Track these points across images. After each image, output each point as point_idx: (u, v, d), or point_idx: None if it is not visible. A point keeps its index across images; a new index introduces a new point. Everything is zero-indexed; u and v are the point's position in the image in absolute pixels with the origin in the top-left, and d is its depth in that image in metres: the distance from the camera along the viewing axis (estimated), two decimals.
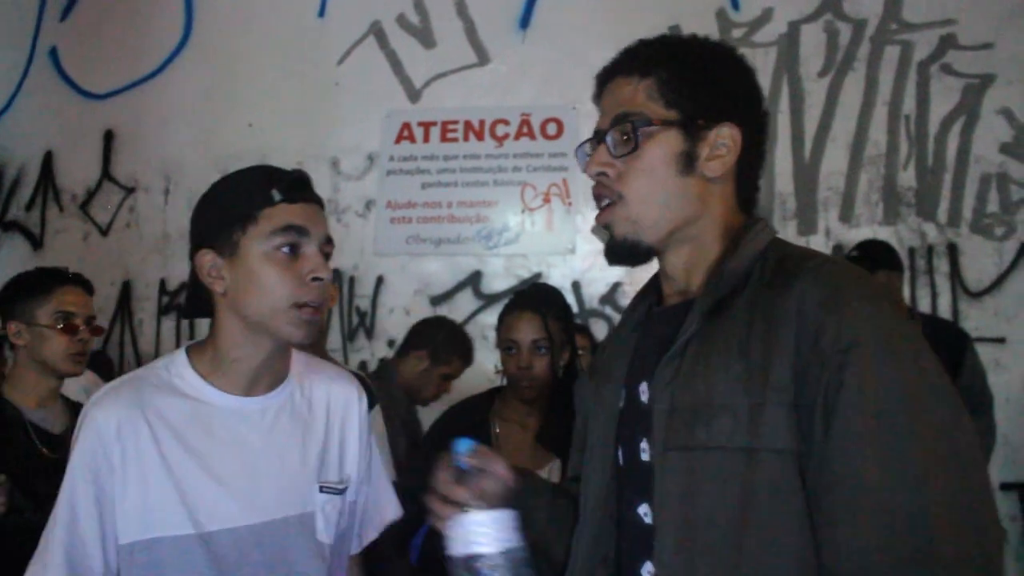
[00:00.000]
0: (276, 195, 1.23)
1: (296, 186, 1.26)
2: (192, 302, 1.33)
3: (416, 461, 2.26)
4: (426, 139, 3.34)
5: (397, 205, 3.34)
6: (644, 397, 1.04)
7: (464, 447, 1.07)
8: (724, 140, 1.02)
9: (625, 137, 1.03)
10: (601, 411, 1.11)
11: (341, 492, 1.36)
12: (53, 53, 3.73)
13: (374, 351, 3.32)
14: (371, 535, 1.50)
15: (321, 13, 3.48)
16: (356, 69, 3.44)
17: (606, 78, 1.09)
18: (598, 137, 1.07)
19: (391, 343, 3.30)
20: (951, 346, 2.69)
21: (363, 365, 3.26)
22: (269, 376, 1.32)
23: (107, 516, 1.21)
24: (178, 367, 1.29)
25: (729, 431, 0.93)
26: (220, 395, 1.28)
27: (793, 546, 0.90)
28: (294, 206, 1.24)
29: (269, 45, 3.51)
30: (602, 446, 1.09)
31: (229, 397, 1.28)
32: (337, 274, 3.30)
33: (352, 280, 3.35)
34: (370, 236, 3.36)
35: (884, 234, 3.07)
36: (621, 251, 1.07)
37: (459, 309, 3.26)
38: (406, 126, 3.37)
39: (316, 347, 2.36)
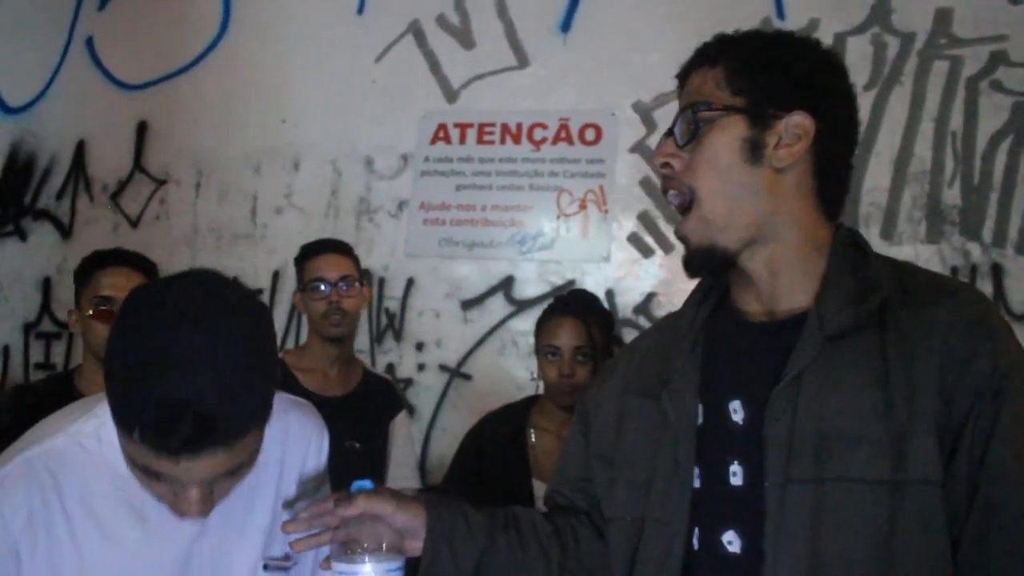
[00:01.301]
0: (139, 438, 0.89)
1: (175, 440, 0.88)
2: None
3: (455, 474, 2.22)
4: (462, 141, 3.31)
5: (430, 206, 3.30)
6: (737, 417, 0.99)
7: (357, 488, 1.00)
8: (794, 128, 0.98)
9: (690, 126, 1.00)
10: (681, 427, 1.03)
11: (287, 568, 1.18)
12: (89, 43, 3.73)
13: (402, 354, 3.28)
14: None
15: (360, 10, 3.45)
16: (393, 68, 3.40)
17: (684, 76, 1.06)
18: (669, 131, 1.04)
19: (420, 346, 3.26)
20: None
21: (391, 368, 3.23)
22: None
23: None
24: (108, 437, 1.02)
25: (869, 462, 0.88)
26: None
27: None
28: (166, 460, 0.90)
29: (306, 41, 3.48)
30: (676, 466, 1.01)
31: None
32: (367, 275, 3.26)
33: (382, 281, 3.32)
34: (402, 237, 3.32)
35: (927, 253, 3.02)
36: (699, 260, 1.03)
37: (490, 314, 3.22)
38: (442, 127, 3.33)
39: (344, 349, 2.34)
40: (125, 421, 0.91)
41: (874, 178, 3.11)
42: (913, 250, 3.02)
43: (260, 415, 0.96)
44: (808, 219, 1.00)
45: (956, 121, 3.08)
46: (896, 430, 0.88)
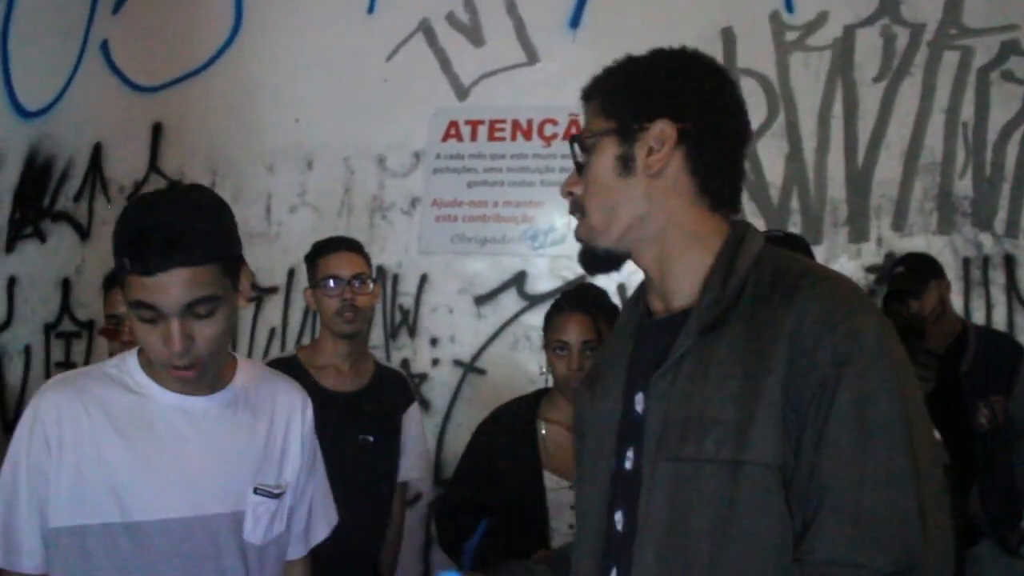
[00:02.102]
0: (127, 264, 1.19)
1: (149, 254, 1.18)
2: None
3: (466, 467, 2.24)
4: (473, 138, 3.33)
5: (443, 203, 3.33)
6: (639, 407, 1.08)
7: None
8: (658, 136, 1.06)
9: (580, 156, 1.12)
10: (600, 422, 1.14)
11: (276, 496, 1.40)
12: (104, 46, 3.77)
13: (416, 349, 3.31)
14: (319, 537, 1.56)
15: (370, 10, 3.48)
16: (404, 66, 3.43)
17: (583, 112, 1.17)
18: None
19: (434, 341, 3.30)
20: (1006, 358, 2.63)
21: (405, 363, 3.26)
22: (210, 380, 1.35)
23: (40, 498, 1.27)
24: (128, 365, 1.35)
25: (718, 444, 0.97)
26: (163, 392, 1.32)
27: (772, 559, 0.94)
28: (145, 279, 1.18)
29: (318, 41, 3.51)
30: (605, 457, 1.12)
31: (172, 395, 1.33)
32: (380, 272, 3.30)
33: (396, 278, 3.35)
34: (415, 234, 3.36)
35: (938, 244, 3.02)
36: (587, 259, 1.15)
37: (503, 309, 3.25)
38: (453, 124, 3.36)
39: (356, 345, 2.36)
40: (117, 259, 1.20)
41: (885, 170, 3.11)
42: (925, 241, 3.03)
43: (218, 251, 1.22)
44: (689, 217, 1.08)
45: (967, 112, 3.08)
46: (743, 415, 0.96)
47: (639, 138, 1.07)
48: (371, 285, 2.31)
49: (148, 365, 1.33)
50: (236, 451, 1.37)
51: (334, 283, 2.25)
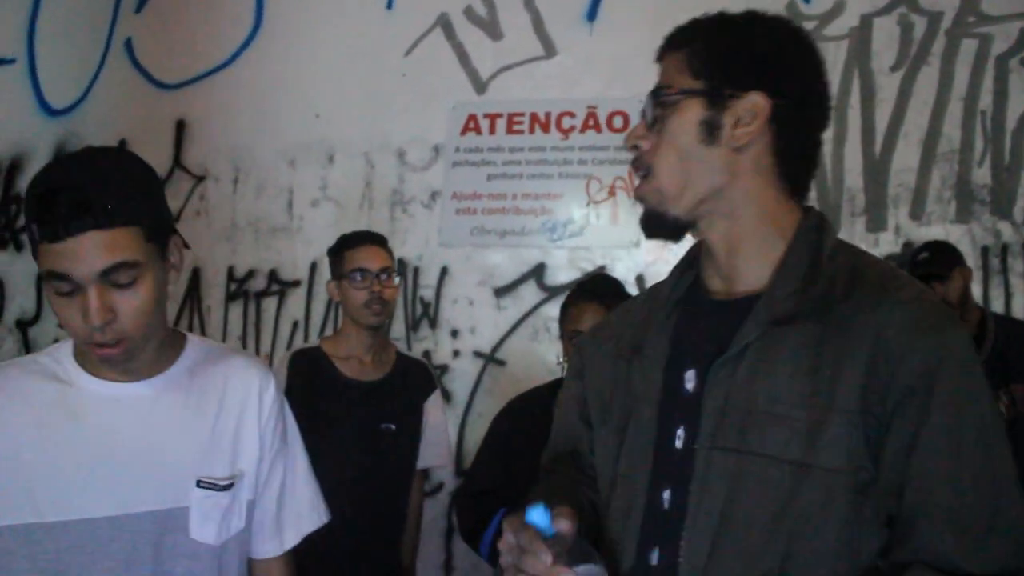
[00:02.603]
0: (35, 231, 1.07)
1: (58, 217, 1.06)
2: None
3: (484, 456, 2.27)
4: (492, 131, 3.36)
5: (462, 196, 3.36)
6: (689, 385, 1.04)
7: (542, 517, 0.95)
8: (750, 108, 1.00)
9: (656, 110, 1.04)
10: (643, 391, 1.09)
11: (225, 488, 1.26)
12: (128, 44, 3.82)
13: (437, 341, 3.35)
14: (300, 532, 1.40)
15: (389, 5, 3.52)
16: (423, 61, 3.47)
17: (660, 59, 1.10)
18: (642, 114, 1.08)
19: (454, 333, 3.33)
20: None
21: (427, 354, 3.30)
22: (145, 362, 1.22)
23: None
24: (60, 353, 1.23)
25: (783, 443, 0.94)
26: (92, 380, 1.21)
27: (830, 562, 0.92)
28: (55, 245, 1.06)
29: (337, 37, 3.55)
30: (647, 428, 1.07)
31: (101, 383, 1.21)
32: (401, 264, 3.34)
33: (416, 270, 3.39)
34: (435, 227, 3.39)
35: (956, 232, 3.02)
36: (652, 223, 1.07)
37: (522, 301, 3.28)
38: (472, 118, 3.39)
39: (380, 334, 2.41)
40: (27, 226, 1.08)
41: (903, 159, 3.11)
42: (943, 230, 3.02)
43: (136, 213, 1.10)
44: (766, 197, 1.04)
45: (985, 100, 3.07)
46: (814, 418, 0.93)
47: (729, 106, 1.00)
48: (396, 279, 2.36)
49: (82, 353, 1.21)
50: (174, 441, 1.23)
51: (362, 276, 2.29)
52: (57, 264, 1.07)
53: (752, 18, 1.06)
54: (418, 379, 2.46)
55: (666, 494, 1.03)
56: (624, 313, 1.24)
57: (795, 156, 1.04)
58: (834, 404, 0.93)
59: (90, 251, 1.07)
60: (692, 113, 1.02)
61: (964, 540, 0.88)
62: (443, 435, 2.51)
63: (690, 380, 1.04)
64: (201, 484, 1.24)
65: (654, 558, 1.02)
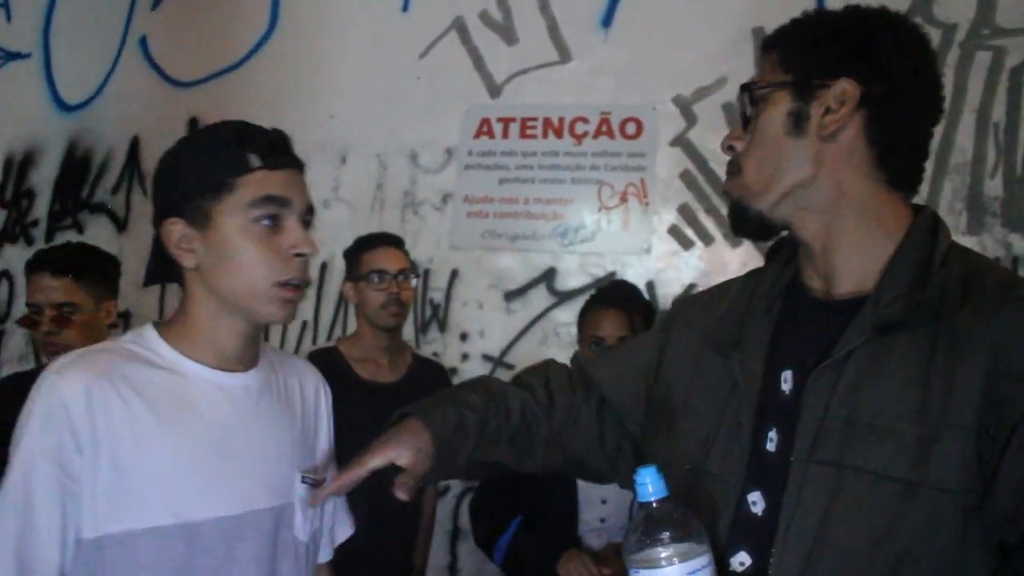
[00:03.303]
0: (254, 160, 1.12)
1: (276, 149, 1.15)
2: (156, 271, 1.21)
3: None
4: (505, 135, 3.36)
5: (474, 200, 3.37)
6: (786, 387, 1.00)
7: (655, 479, 0.90)
8: (839, 95, 0.98)
9: (746, 108, 1.04)
10: (742, 388, 1.04)
11: (320, 484, 1.22)
12: (143, 42, 3.83)
13: (447, 344, 3.35)
14: (339, 539, 1.40)
15: (405, 8, 3.52)
16: (437, 64, 3.47)
17: (760, 61, 1.08)
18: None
19: (464, 336, 3.34)
20: None
21: (436, 357, 3.29)
22: (248, 353, 1.19)
23: (70, 505, 1.03)
24: (148, 341, 1.15)
25: (890, 459, 0.89)
26: (199, 367, 1.14)
27: None
28: (274, 173, 1.13)
29: (352, 38, 3.56)
30: (739, 428, 1.02)
31: (209, 370, 1.15)
32: (413, 267, 3.33)
33: (427, 273, 3.39)
34: (446, 229, 3.39)
35: (968, 244, 2.92)
36: (736, 218, 1.06)
37: (532, 305, 3.28)
38: (485, 121, 3.39)
39: (396, 336, 2.41)
40: (231, 159, 1.12)
41: None
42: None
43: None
44: (864, 191, 0.99)
45: (998, 112, 3.07)
46: (924, 433, 0.88)
47: (817, 95, 0.98)
48: (413, 280, 2.37)
49: (176, 338, 1.15)
50: (277, 434, 1.20)
51: (380, 277, 2.30)
52: (276, 189, 1.12)
53: (851, 10, 1.04)
54: (434, 381, 2.47)
55: (753, 496, 0.99)
56: (718, 300, 1.18)
57: (894, 144, 1.00)
58: (946, 419, 0.87)
59: (300, 184, 1.17)
60: (781, 106, 1.00)
61: None
62: None
63: (787, 381, 1.00)
64: (305, 479, 1.21)
65: (741, 562, 0.98)
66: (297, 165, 1.19)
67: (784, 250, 1.12)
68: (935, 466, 0.87)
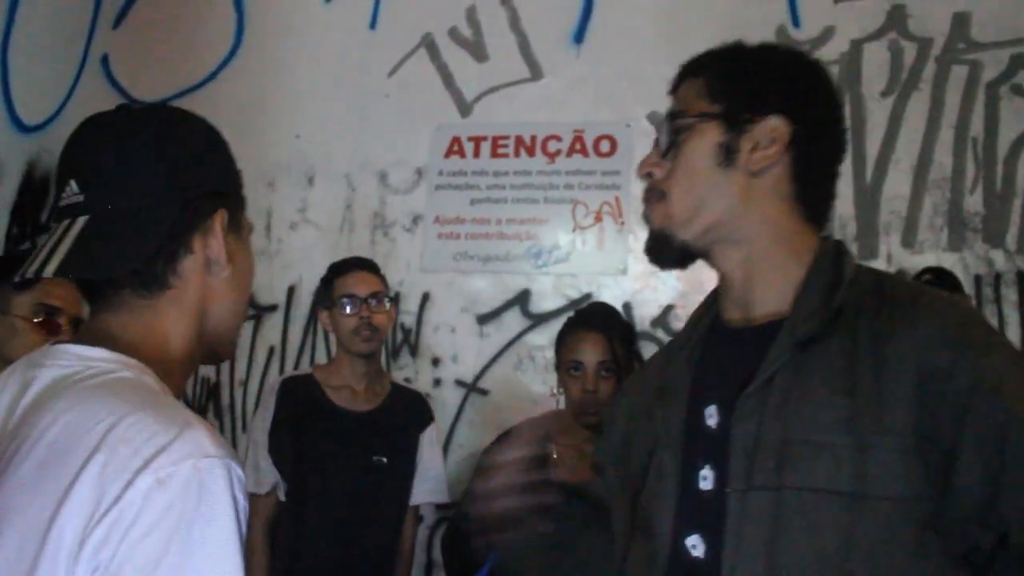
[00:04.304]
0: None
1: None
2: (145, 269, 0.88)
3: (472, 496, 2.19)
4: (476, 154, 3.29)
5: (445, 220, 3.29)
6: (711, 422, 1.00)
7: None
8: (769, 132, 0.99)
9: (671, 136, 1.03)
10: (666, 434, 1.04)
11: None
12: (105, 61, 3.74)
13: (418, 369, 3.26)
14: None
15: (372, 25, 3.45)
16: (406, 82, 3.40)
17: (674, 88, 1.08)
18: (656, 142, 1.07)
19: (436, 361, 3.25)
20: None
21: (407, 383, 3.21)
22: None
23: None
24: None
25: (830, 473, 0.88)
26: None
27: None
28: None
29: (319, 57, 3.48)
30: (670, 472, 1.02)
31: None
32: (387, 290, 3.25)
33: (397, 296, 3.29)
34: (417, 252, 3.31)
35: (949, 261, 2.97)
36: (656, 247, 1.05)
37: (506, 329, 3.20)
38: (456, 140, 3.32)
39: (371, 365, 2.34)
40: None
41: (894, 186, 3.07)
42: (935, 258, 2.98)
43: None
44: (785, 224, 1.01)
45: (976, 127, 3.04)
46: (859, 442, 0.87)
47: (747, 130, 0.99)
48: (387, 304, 2.31)
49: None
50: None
51: (350, 302, 2.25)
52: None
53: (768, 47, 1.08)
54: (413, 411, 2.42)
55: (691, 540, 0.97)
56: (652, 362, 1.22)
57: (814, 183, 1.03)
58: (879, 426, 0.87)
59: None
60: (709, 137, 1.00)
61: None
62: (438, 470, 2.44)
63: (711, 416, 1.00)
64: None
65: None
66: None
67: (705, 298, 1.14)
68: (875, 475, 0.86)
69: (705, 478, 0.98)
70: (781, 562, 0.89)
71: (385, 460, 2.26)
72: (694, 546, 0.97)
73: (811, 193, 1.02)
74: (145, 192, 0.86)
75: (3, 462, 0.79)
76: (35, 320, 1.78)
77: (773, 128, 0.98)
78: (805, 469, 0.89)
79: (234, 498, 0.76)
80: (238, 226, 0.95)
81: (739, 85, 1.01)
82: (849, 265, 0.99)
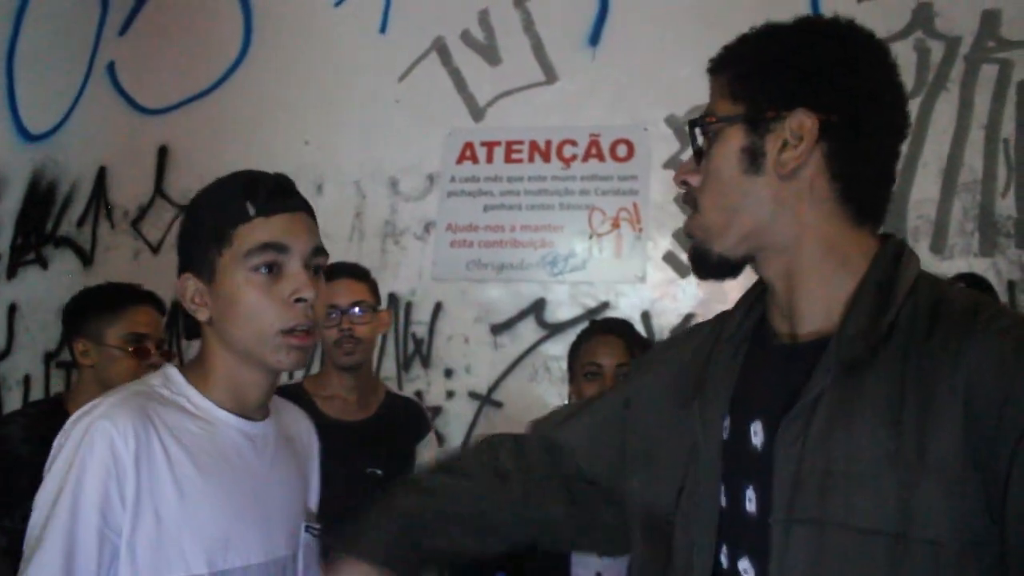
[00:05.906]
0: (250, 209, 1.14)
1: (274, 195, 1.16)
2: (188, 327, 1.24)
3: None
4: (489, 159, 3.22)
5: (458, 228, 3.21)
6: (756, 440, 0.94)
7: None
8: (796, 129, 0.91)
9: (698, 143, 0.99)
10: (706, 441, 0.99)
11: (319, 535, 1.27)
12: (111, 68, 3.70)
13: (430, 380, 3.18)
14: None
15: (383, 29, 3.39)
16: (418, 86, 3.33)
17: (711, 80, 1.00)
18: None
19: (448, 372, 3.16)
20: None
21: (418, 395, 3.13)
22: (266, 402, 1.24)
23: (107, 556, 1.05)
24: (177, 384, 1.17)
25: (872, 510, 0.82)
26: (228, 416, 1.18)
27: None
28: (271, 219, 1.14)
29: (329, 61, 3.43)
30: (708, 484, 0.97)
31: (235, 418, 1.19)
32: (393, 299, 3.18)
33: (409, 305, 3.22)
34: (429, 260, 3.24)
35: (981, 266, 2.87)
36: (698, 261, 1.00)
37: (521, 338, 3.12)
38: (468, 146, 3.25)
39: (361, 376, 2.23)
40: (231, 209, 1.13)
41: (922, 190, 2.97)
42: (966, 264, 2.88)
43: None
44: (827, 229, 0.93)
45: (1008, 127, 2.95)
46: (902, 478, 0.81)
47: (772, 129, 0.92)
48: (373, 313, 2.19)
49: (203, 384, 1.18)
50: (291, 482, 1.25)
51: (331, 312, 2.13)
52: (273, 236, 1.13)
53: (800, 27, 0.95)
54: (409, 420, 2.31)
55: (743, 564, 0.93)
56: (684, 347, 1.14)
57: (859, 177, 0.93)
58: (925, 462, 0.80)
59: (302, 228, 1.16)
60: (733, 141, 0.94)
61: None
62: None
63: (757, 433, 0.94)
64: (308, 528, 1.26)
65: None
66: (300, 208, 1.18)
67: (750, 290, 1.07)
68: (919, 515, 0.80)
69: (750, 500, 0.94)
70: None
71: (380, 472, 2.15)
72: (746, 570, 0.93)
73: (858, 191, 0.93)
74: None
75: None
76: (128, 348, 1.99)
77: (799, 123, 0.91)
78: (848, 504, 0.83)
79: (90, 461, 1.03)
80: (209, 276, 1.15)
81: (760, 80, 0.93)
82: (906, 275, 0.91)
